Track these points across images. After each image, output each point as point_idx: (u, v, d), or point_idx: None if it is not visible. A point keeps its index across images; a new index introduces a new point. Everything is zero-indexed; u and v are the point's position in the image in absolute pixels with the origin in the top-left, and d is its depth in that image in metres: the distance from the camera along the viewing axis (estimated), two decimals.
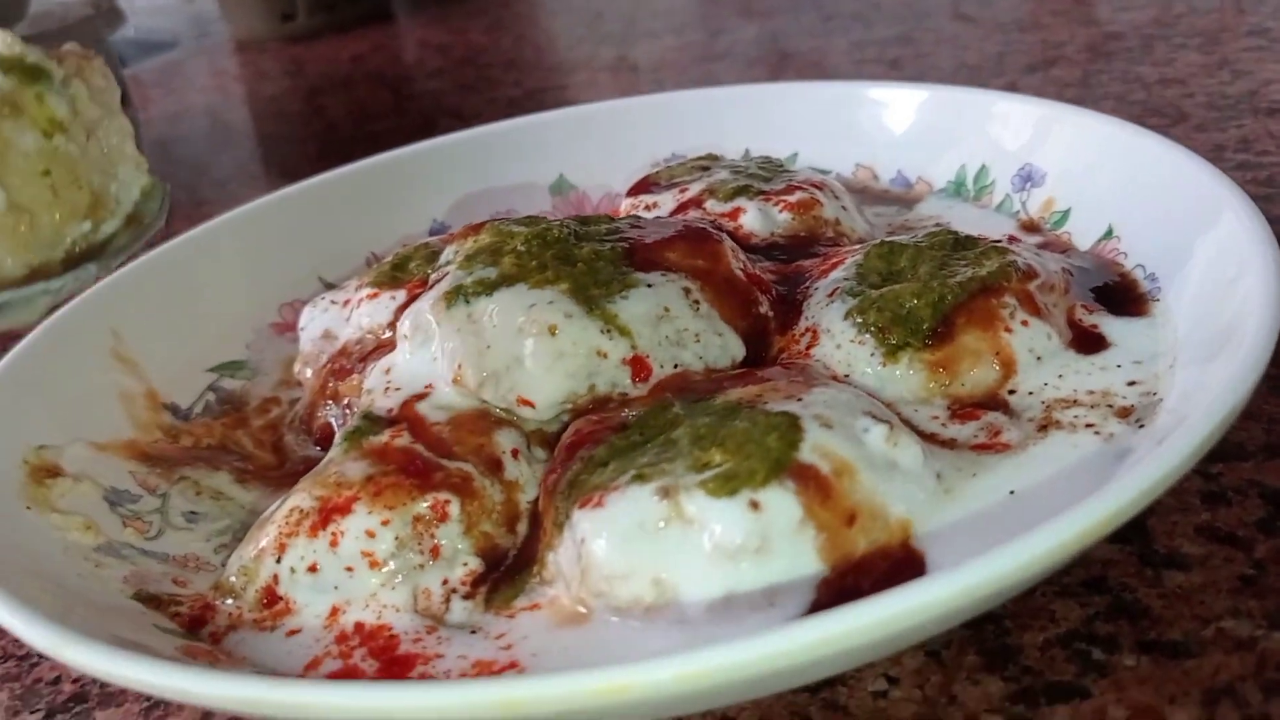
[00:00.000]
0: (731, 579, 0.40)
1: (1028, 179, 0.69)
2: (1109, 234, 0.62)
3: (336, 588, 0.47)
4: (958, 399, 0.51)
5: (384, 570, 0.46)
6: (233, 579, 0.49)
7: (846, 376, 0.52)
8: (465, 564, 0.47)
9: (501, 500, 0.49)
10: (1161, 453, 0.37)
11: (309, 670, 0.44)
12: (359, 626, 0.46)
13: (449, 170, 0.86)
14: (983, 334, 0.51)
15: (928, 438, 0.48)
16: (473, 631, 0.45)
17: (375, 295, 0.64)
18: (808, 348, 0.54)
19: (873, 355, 0.52)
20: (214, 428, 0.65)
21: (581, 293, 0.52)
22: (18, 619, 0.40)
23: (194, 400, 0.67)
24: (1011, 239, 0.60)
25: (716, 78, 1.28)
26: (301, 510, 0.48)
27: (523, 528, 0.49)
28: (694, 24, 1.58)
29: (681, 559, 0.41)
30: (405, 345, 0.56)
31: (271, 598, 0.47)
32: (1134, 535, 0.46)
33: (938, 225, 0.68)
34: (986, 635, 0.42)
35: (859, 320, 0.53)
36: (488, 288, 0.53)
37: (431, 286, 0.57)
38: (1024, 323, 0.52)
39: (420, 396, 0.53)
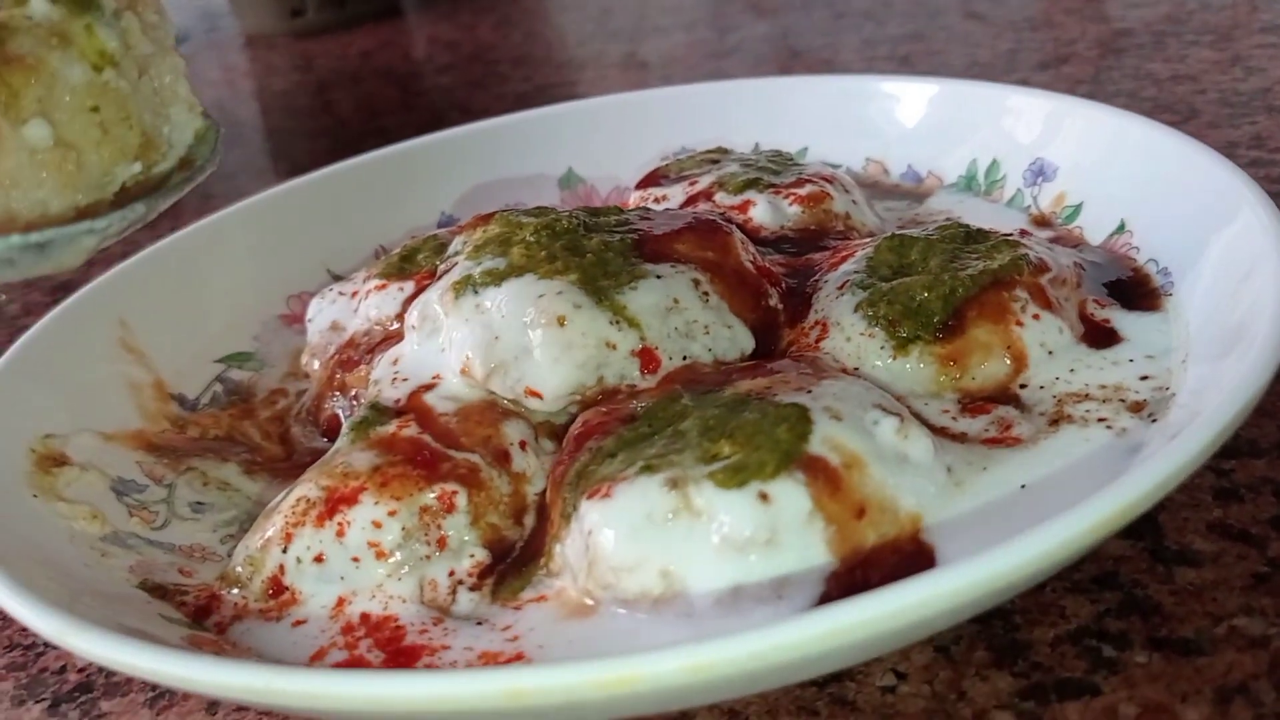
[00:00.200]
0: (740, 571, 0.40)
1: (1039, 173, 0.69)
2: (1121, 229, 0.61)
3: (343, 578, 0.46)
4: (968, 393, 0.50)
5: (390, 561, 0.46)
6: (239, 569, 0.49)
7: (856, 370, 0.52)
8: (472, 555, 0.47)
9: (509, 492, 0.49)
10: (1174, 448, 0.36)
11: (314, 661, 0.44)
12: (365, 617, 0.45)
13: (457, 163, 0.86)
14: (994, 327, 0.51)
15: (938, 431, 0.48)
16: (479, 623, 0.44)
17: (383, 287, 0.64)
18: (817, 340, 0.54)
19: (883, 348, 0.52)
20: (221, 418, 0.65)
21: (590, 284, 0.52)
22: (24, 606, 0.40)
23: (201, 391, 0.67)
24: (1023, 233, 0.60)
25: (726, 74, 1.28)
26: (308, 500, 0.48)
27: (530, 519, 0.49)
28: (704, 21, 1.57)
29: (690, 551, 0.41)
30: (413, 335, 0.55)
31: (277, 588, 0.47)
32: (1145, 531, 0.45)
33: (948, 219, 0.67)
34: (996, 631, 0.42)
35: (869, 313, 0.52)
36: (496, 278, 0.53)
37: (440, 277, 0.57)
38: (1035, 316, 0.51)
39: (428, 387, 0.53)
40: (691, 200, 0.70)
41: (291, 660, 0.44)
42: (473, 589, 0.46)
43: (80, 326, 0.64)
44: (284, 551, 0.47)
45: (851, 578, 0.40)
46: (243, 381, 0.69)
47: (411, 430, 0.50)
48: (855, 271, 0.56)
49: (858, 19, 1.38)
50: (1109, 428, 0.47)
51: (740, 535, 0.40)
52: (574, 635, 0.42)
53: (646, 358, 0.51)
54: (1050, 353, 0.51)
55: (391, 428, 0.50)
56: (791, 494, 0.41)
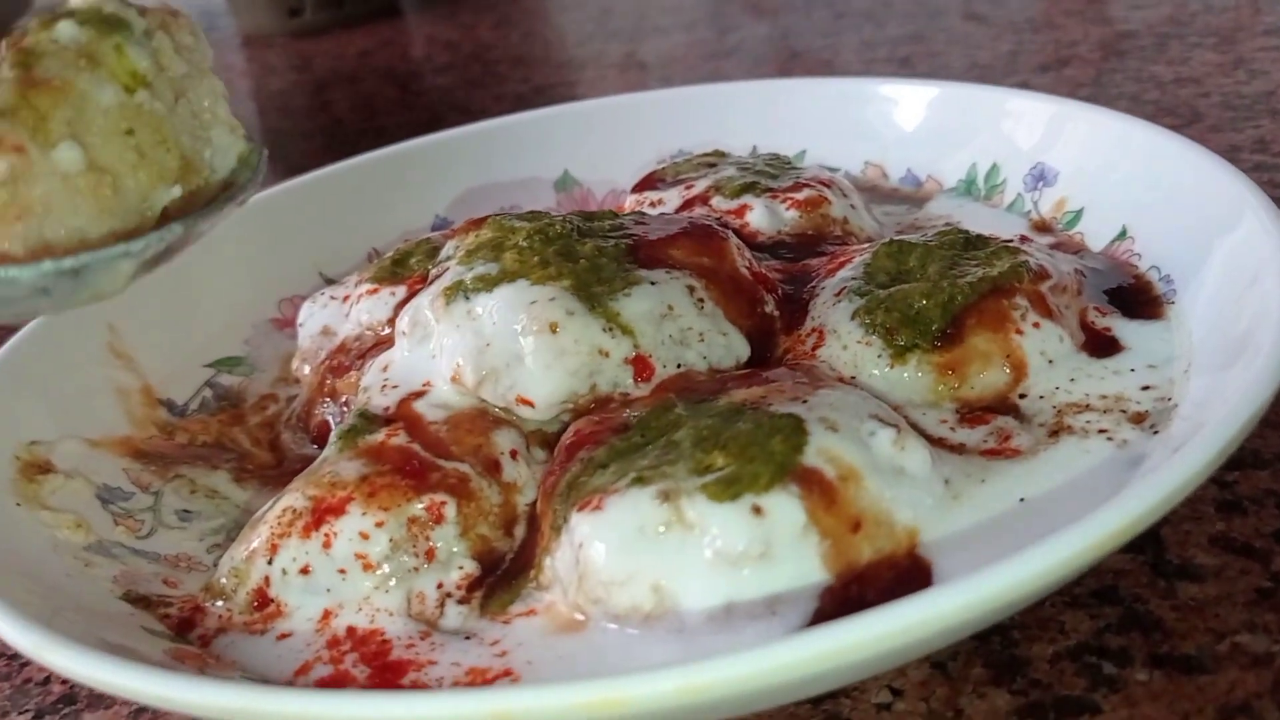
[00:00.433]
0: (733, 586, 0.39)
1: (1040, 178, 0.68)
2: (1123, 235, 0.60)
3: (329, 590, 0.46)
4: (967, 402, 0.49)
5: (378, 573, 0.45)
6: (223, 580, 0.48)
7: (853, 378, 0.51)
8: (461, 567, 0.46)
9: (499, 502, 0.48)
10: (1177, 461, 0.36)
11: (299, 675, 0.43)
12: (351, 631, 0.45)
13: (452, 165, 0.85)
14: (993, 336, 0.50)
15: (936, 442, 0.47)
16: (467, 637, 0.44)
17: (375, 291, 0.63)
18: (814, 348, 0.53)
19: (880, 356, 0.51)
20: (210, 424, 0.64)
21: (584, 290, 0.51)
22: (2, 620, 0.39)
23: (190, 396, 0.66)
24: (1023, 239, 0.59)
25: (725, 75, 1.27)
26: (294, 510, 0.47)
27: (520, 531, 0.48)
28: (703, 21, 1.57)
29: (682, 565, 0.40)
30: (403, 342, 0.55)
31: (263, 600, 0.46)
32: (1146, 545, 0.45)
33: (948, 224, 0.67)
34: (994, 647, 0.41)
35: (866, 320, 0.52)
36: (488, 284, 0.52)
37: (432, 282, 0.56)
38: (1035, 325, 0.51)
39: (418, 394, 0.52)
40: (688, 204, 0.69)
41: (276, 675, 0.43)
42: (461, 602, 0.45)
43: (67, 331, 0.63)
44: (269, 563, 0.46)
45: (846, 593, 0.40)
46: (233, 387, 0.68)
47: (400, 439, 0.49)
48: (853, 278, 0.55)
49: (857, 20, 1.38)
50: (1110, 439, 0.46)
51: (733, 549, 0.39)
52: (563, 651, 0.42)
53: (640, 365, 0.50)
54: (1050, 362, 0.50)
55: (380, 436, 0.50)
56: (785, 507, 0.40)
